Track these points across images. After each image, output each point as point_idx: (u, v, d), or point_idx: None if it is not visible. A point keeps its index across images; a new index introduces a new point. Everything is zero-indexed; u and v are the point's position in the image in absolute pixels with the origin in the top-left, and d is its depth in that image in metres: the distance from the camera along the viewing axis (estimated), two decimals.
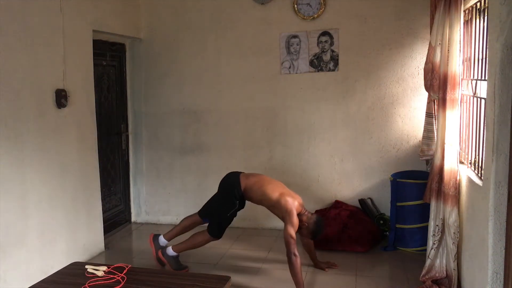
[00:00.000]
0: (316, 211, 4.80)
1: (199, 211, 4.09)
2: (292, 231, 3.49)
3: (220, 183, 4.00)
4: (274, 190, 3.72)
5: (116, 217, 5.26)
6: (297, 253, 3.42)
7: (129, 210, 5.55)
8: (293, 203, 3.62)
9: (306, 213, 3.71)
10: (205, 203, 4.10)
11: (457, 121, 3.37)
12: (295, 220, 3.55)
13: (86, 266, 2.60)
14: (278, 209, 3.64)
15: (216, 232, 3.87)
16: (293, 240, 3.45)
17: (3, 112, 3.36)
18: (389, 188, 4.46)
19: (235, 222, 5.22)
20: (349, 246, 4.36)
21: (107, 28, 4.68)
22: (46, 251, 3.81)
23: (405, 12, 4.59)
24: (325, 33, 4.81)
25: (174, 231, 4.09)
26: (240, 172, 3.99)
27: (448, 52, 3.33)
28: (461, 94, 3.43)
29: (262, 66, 5.01)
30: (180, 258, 4.02)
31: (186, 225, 4.09)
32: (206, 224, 3.99)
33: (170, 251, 3.95)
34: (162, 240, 4.04)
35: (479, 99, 3.06)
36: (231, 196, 3.81)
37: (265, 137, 5.09)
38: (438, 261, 3.50)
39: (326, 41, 4.81)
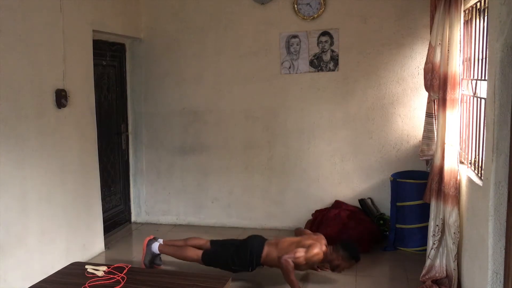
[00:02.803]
0: (316, 211, 4.81)
1: (212, 240, 3.91)
2: (301, 254, 3.46)
3: (247, 239, 3.81)
4: (296, 242, 3.63)
5: (116, 217, 5.26)
6: (286, 257, 3.45)
7: (129, 210, 5.55)
8: (321, 245, 3.55)
9: (332, 253, 3.60)
10: (225, 239, 3.93)
11: (457, 121, 3.37)
12: (314, 257, 3.49)
13: (86, 266, 2.60)
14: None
15: (208, 261, 3.74)
16: (293, 257, 3.46)
17: (3, 112, 3.36)
18: (389, 188, 4.46)
19: (236, 222, 5.26)
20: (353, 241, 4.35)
21: (107, 28, 4.68)
22: (46, 251, 3.81)
23: (405, 12, 4.59)
24: (325, 33, 4.81)
25: (172, 250, 3.88)
26: (266, 239, 3.78)
27: (448, 52, 3.33)
28: (461, 94, 3.43)
29: (262, 66, 5.01)
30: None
31: (188, 255, 3.80)
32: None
33: (155, 247, 3.91)
34: (155, 248, 3.94)
35: (479, 99, 3.05)
36: (248, 259, 3.64)
37: (265, 137, 5.09)
38: (438, 261, 3.50)
39: (326, 41, 4.81)
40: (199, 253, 3.76)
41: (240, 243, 3.76)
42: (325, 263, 3.66)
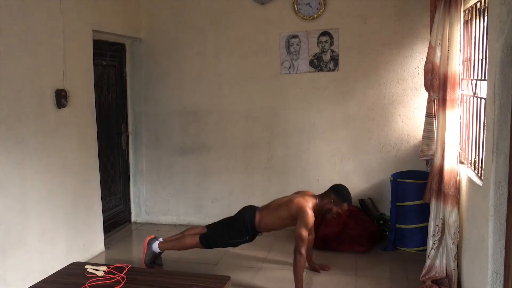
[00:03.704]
0: None
1: (208, 225, 3.96)
2: (304, 231, 3.46)
3: (238, 212, 3.89)
4: (284, 204, 3.68)
5: (116, 217, 5.26)
6: (303, 252, 3.43)
7: (129, 210, 5.55)
8: (306, 202, 3.58)
9: (322, 200, 3.64)
10: (218, 220, 3.99)
11: (457, 121, 3.37)
12: (309, 219, 3.51)
13: (86, 266, 2.60)
14: (293, 212, 3.57)
15: (207, 243, 3.79)
16: (303, 239, 3.45)
17: (4, 112, 3.36)
18: (389, 188, 4.46)
19: None
20: (349, 246, 4.36)
21: (107, 28, 4.68)
22: (46, 251, 3.81)
23: (405, 12, 4.59)
24: (325, 33, 4.81)
25: (171, 244, 3.92)
26: (256, 207, 3.87)
27: (448, 52, 3.33)
28: (461, 94, 3.44)
29: (262, 66, 5.01)
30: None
31: (187, 243, 3.86)
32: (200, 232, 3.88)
33: (155, 246, 3.93)
34: (155, 247, 3.94)
35: (479, 99, 3.06)
36: (243, 229, 3.73)
37: (265, 137, 5.10)
38: (438, 261, 3.50)
39: (326, 41, 4.81)
40: (197, 238, 3.82)
41: (233, 218, 3.86)
42: (319, 211, 3.67)
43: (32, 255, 3.65)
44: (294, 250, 3.47)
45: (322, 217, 4.62)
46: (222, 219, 3.97)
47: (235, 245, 3.81)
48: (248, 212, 3.80)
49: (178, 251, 3.99)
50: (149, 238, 4.02)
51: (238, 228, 3.74)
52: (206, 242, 3.80)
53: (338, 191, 3.65)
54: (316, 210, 3.63)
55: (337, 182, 4.86)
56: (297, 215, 3.54)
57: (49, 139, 3.85)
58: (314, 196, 3.71)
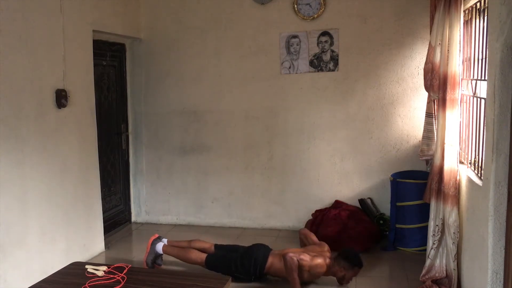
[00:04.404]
0: (316, 211, 4.80)
1: (216, 244, 3.92)
2: (299, 257, 3.46)
3: (252, 247, 3.80)
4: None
5: (116, 217, 5.26)
6: (291, 255, 3.46)
7: (129, 210, 5.55)
8: (324, 261, 3.54)
9: (334, 266, 3.57)
10: (229, 245, 3.95)
11: (457, 121, 3.37)
12: (317, 268, 3.50)
13: (86, 266, 2.60)
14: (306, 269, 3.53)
15: (212, 266, 3.74)
16: (291, 254, 3.47)
17: (3, 112, 3.36)
18: (389, 188, 4.46)
19: (236, 222, 5.26)
20: (349, 246, 4.35)
21: (107, 28, 4.68)
22: (46, 251, 3.81)
23: (405, 12, 4.59)
24: (325, 33, 4.81)
25: (175, 252, 3.90)
26: (271, 250, 3.77)
27: (448, 52, 3.33)
28: (461, 94, 3.43)
29: (262, 66, 5.01)
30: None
31: (191, 258, 3.81)
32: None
33: (159, 247, 3.92)
34: (159, 248, 3.95)
35: (479, 99, 3.05)
36: (251, 270, 3.65)
37: (265, 137, 5.09)
38: (438, 261, 3.50)
39: (326, 41, 4.81)
40: (202, 256, 3.77)
41: (244, 251, 3.76)
42: (330, 275, 3.62)
43: (32, 255, 3.65)
44: (283, 256, 3.52)
45: (322, 217, 4.64)
46: (234, 246, 3.90)
47: (236, 279, 3.63)
48: (261, 252, 3.70)
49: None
50: (153, 238, 4.02)
51: (247, 266, 3.64)
52: (211, 265, 3.74)
53: (346, 258, 3.55)
54: (327, 271, 3.57)
55: (338, 183, 4.89)
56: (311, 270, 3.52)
57: (49, 139, 3.85)
58: (330, 258, 3.59)
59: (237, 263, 3.67)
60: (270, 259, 3.64)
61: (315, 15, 4.79)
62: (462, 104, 3.50)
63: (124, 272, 2.53)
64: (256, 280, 3.71)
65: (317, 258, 3.52)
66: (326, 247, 3.72)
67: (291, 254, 3.47)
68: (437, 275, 3.48)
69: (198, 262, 3.79)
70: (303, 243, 3.96)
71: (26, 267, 3.57)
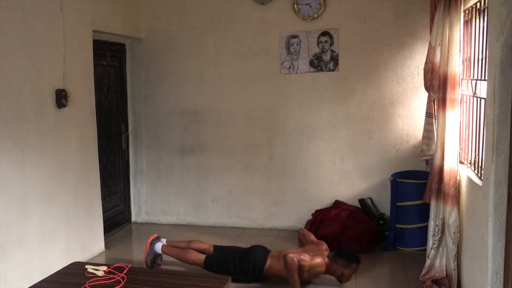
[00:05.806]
0: (316, 211, 4.81)
1: (215, 246, 3.93)
2: (299, 257, 3.45)
3: (250, 249, 3.81)
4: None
5: (116, 217, 5.26)
6: (290, 256, 3.46)
7: (129, 210, 5.55)
8: (324, 260, 3.54)
9: (332, 265, 3.57)
10: (228, 246, 3.95)
11: (457, 121, 3.37)
12: (317, 267, 3.50)
13: (86, 266, 2.60)
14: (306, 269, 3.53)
15: (211, 267, 3.73)
16: (291, 255, 3.47)
17: (3, 112, 3.36)
18: (389, 188, 4.46)
19: (236, 222, 5.26)
20: (349, 246, 4.35)
21: (107, 28, 4.68)
22: (46, 251, 3.81)
23: (405, 12, 4.59)
24: (325, 33, 4.81)
25: (174, 252, 3.90)
26: (269, 251, 3.79)
27: (448, 52, 3.33)
28: (461, 94, 3.43)
29: (262, 66, 5.01)
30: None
31: (190, 258, 3.82)
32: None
33: (158, 247, 3.93)
34: (158, 248, 3.96)
35: (479, 99, 3.05)
36: (250, 272, 3.65)
37: (265, 137, 5.10)
38: (438, 261, 3.50)
39: (326, 41, 4.81)
40: (201, 257, 3.78)
41: (243, 252, 3.76)
42: (329, 274, 3.62)
43: (32, 255, 3.65)
44: (283, 256, 3.52)
45: (322, 217, 4.64)
46: (233, 247, 3.91)
47: (235, 280, 3.60)
48: (260, 253, 3.70)
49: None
50: (152, 238, 4.02)
51: (246, 267, 3.64)
52: (210, 266, 3.74)
53: (343, 255, 3.55)
54: (326, 270, 3.57)
55: (338, 183, 4.90)
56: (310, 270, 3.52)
57: (49, 139, 3.85)
58: (329, 257, 3.60)
59: (236, 265, 3.67)
60: (269, 261, 3.65)
61: (315, 15, 4.79)
62: (462, 104, 3.50)
63: (124, 272, 2.53)
64: (255, 282, 3.71)
65: (316, 258, 3.52)
66: (324, 246, 3.72)
67: (291, 255, 3.47)
68: (437, 275, 3.48)
69: (197, 263, 3.79)
70: (302, 243, 3.97)
71: (26, 267, 3.57)
